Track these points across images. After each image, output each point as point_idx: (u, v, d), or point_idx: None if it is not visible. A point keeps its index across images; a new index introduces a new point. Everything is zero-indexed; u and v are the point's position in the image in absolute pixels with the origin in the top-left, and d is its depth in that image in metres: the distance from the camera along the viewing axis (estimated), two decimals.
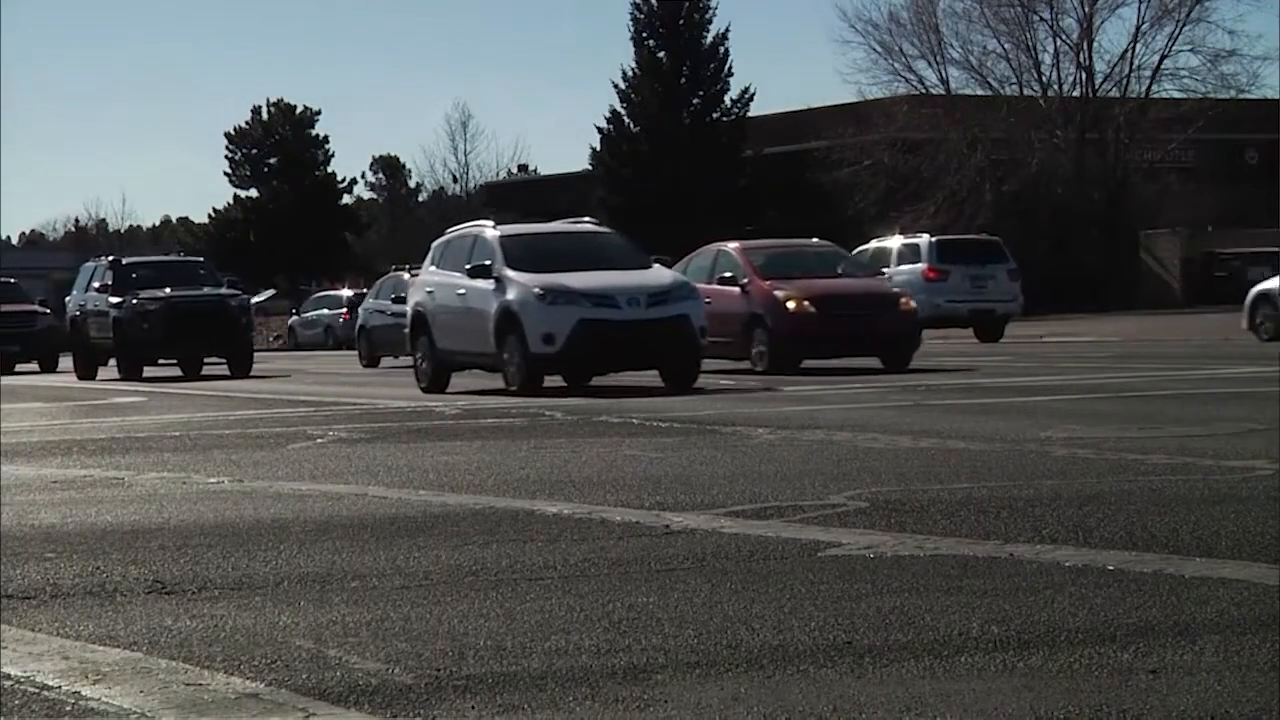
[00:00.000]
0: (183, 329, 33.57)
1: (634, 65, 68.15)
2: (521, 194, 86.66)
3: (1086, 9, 62.71)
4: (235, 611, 6.81)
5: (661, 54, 67.68)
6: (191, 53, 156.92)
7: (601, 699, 5.21)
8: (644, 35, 68.05)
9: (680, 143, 65.52)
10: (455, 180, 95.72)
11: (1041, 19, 63.19)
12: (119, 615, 6.84)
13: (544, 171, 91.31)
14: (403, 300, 37.29)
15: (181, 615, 6.78)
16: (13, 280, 49.41)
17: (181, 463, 13.51)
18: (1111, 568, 7.16)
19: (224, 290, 35.26)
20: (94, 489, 11.72)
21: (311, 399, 22.94)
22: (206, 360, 35.38)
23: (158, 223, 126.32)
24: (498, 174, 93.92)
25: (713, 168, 64.25)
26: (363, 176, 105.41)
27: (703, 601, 6.72)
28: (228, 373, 33.83)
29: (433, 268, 24.95)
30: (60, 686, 5.60)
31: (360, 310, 40.50)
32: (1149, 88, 63.01)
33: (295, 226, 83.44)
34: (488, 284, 22.64)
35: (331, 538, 8.82)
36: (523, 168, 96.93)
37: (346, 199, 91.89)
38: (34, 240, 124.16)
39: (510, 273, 22.43)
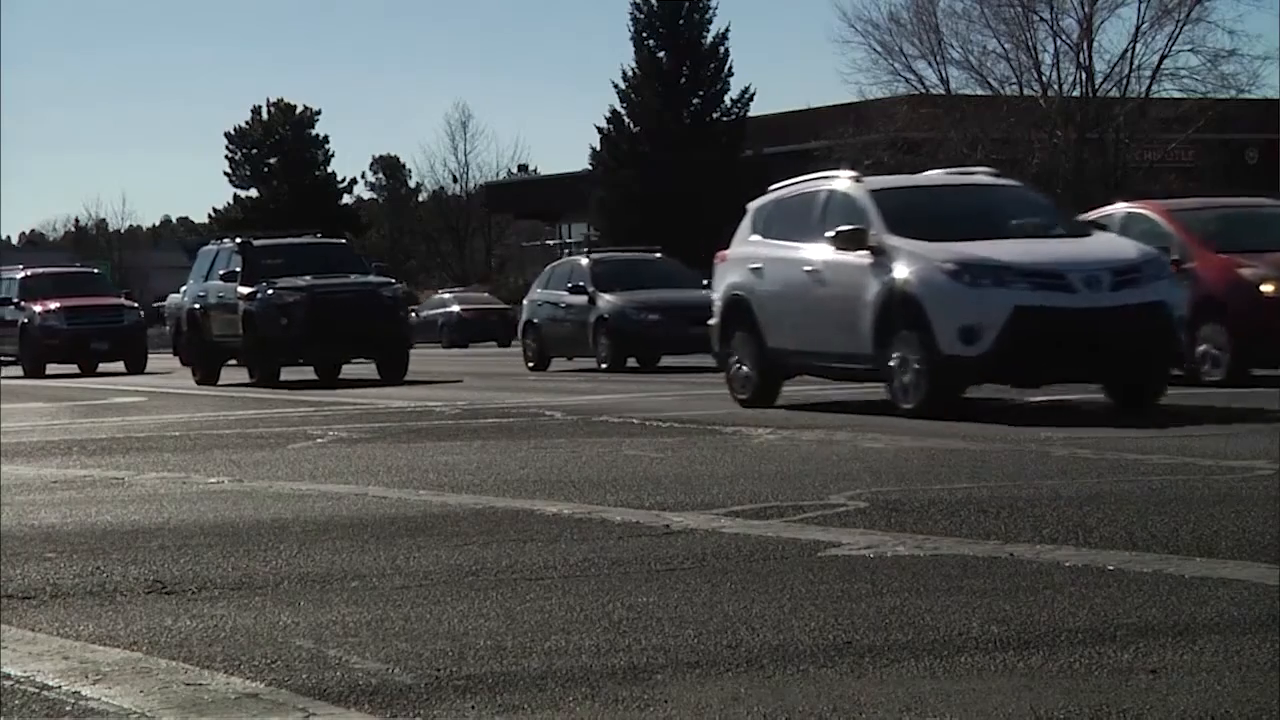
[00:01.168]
0: (330, 325, 27.73)
1: (634, 65, 68.16)
2: (521, 194, 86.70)
3: (1086, 9, 62.70)
4: (235, 611, 6.81)
5: (661, 54, 67.69)
6: (191, 53, 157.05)
7: (601, 699, 5.21)
8: (644, 35, 68.05)
9: (680, 143, 65.51)
10: (455, 180, 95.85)
11: (1041, 19, 63.18)
12: (119, 615, 6.84)
13: (544, 171, 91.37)
14: (582, 290, 30.68)
15: (181, 615, 6.78)
16: (96, 270, 44.72)
17: (181, 463, 13.51)
18: (1111, 568, 7.16)
19: (374, 278, 29.32)
20: (94, 489, 11.71)
21: (312, 399, 22.91)
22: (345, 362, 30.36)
23: (158, 223, 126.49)
24: (498, 174, 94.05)
25: (713, 168, 64.23)
26: (363, 176, 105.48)
27: (703, 601, 6.72)
28: (377, 378, 28.58)
29: (755, 236, 18.78)
30: (60, 686, 5.60)
31: (525, 303, 33.77)
32: (1149, 88, 63.01)
33: (295, 226, 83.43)
34: (859, 257, 16.44)
35: (331, 538, 8.82)
36: (523, 168, 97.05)
37: (346, 199, 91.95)
38: (34, 240, 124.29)
39: (897, 240, 16.18)
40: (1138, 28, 62.92)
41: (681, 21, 67.78)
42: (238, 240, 30.82)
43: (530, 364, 32.32)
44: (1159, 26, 62.92)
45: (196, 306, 30.39)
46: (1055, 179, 61.73)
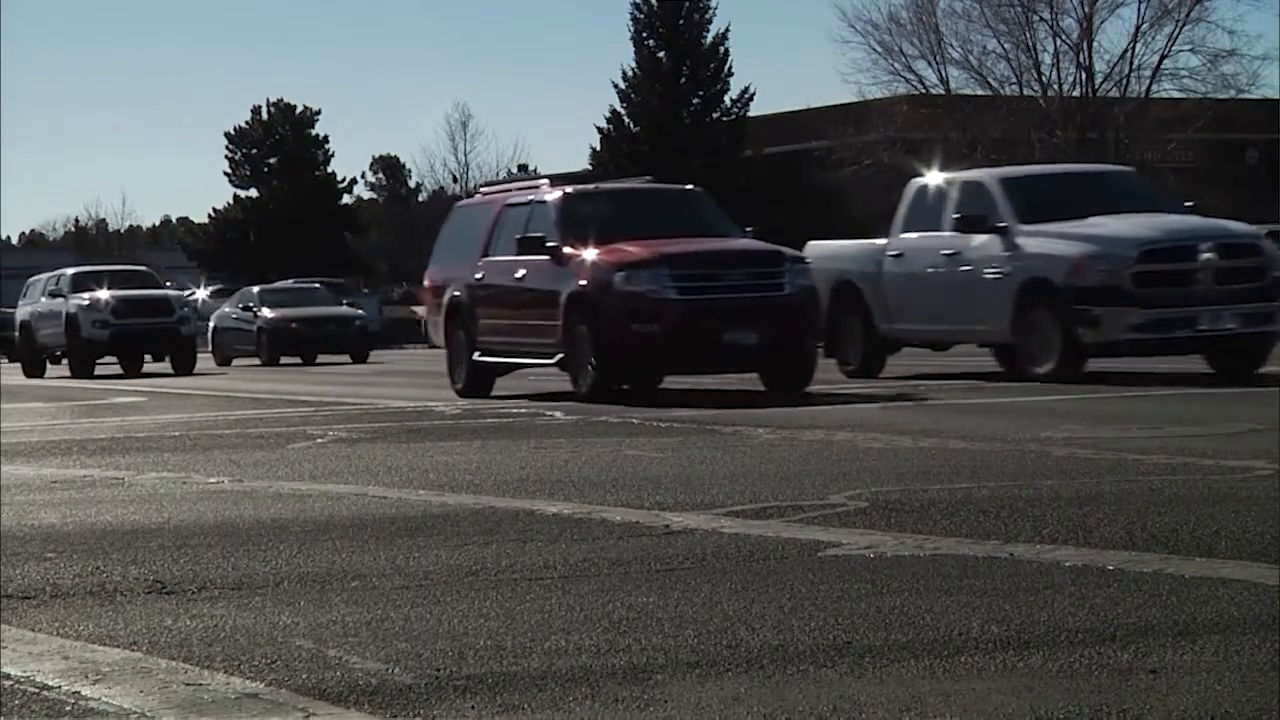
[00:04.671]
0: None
1: (634, 65, 68.28)
2: None
3: (1086, 9, 62.77)
4: (235, 611, 6.81)
5: (661, 54, 67.79)
6: (191, 53, 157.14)
7: (601, 699, 5.21)
8: (644, 35, 68.15)
9: (680, 143, 65.58)
10: (455, 180, 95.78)
11: (1041, 19, 63.25)
12: (119, 615, 6.84)
13: (544, 171, 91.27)
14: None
15: (181, 615, 6.78)
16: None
17: (181, 463, 13.50)
18: (1111, 568, 7.16)
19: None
20: (94, 489, 11.71)
21: (312, 399, 22.90)
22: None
23: (158, 223, 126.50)
24: (498, 174, 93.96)
25: (713, 168, 64.27)
26: (363, 176, 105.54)
27: (703, 601, 6.71)
28: None
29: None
30: (60, 686, 5.60)
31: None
32: (1149, 88, 63.08)
33: (295, 226, 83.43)
34: None
35: (331, 538, 8.82)
36: (523, 168, 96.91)
37: (346, 199, 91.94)
38: (34, 240, 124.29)
39: None
40: (1138, 28, 63.04)
41: (681, 21, 67.88)
42: None
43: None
44: (1159, 26, 63.03)
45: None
46: None
